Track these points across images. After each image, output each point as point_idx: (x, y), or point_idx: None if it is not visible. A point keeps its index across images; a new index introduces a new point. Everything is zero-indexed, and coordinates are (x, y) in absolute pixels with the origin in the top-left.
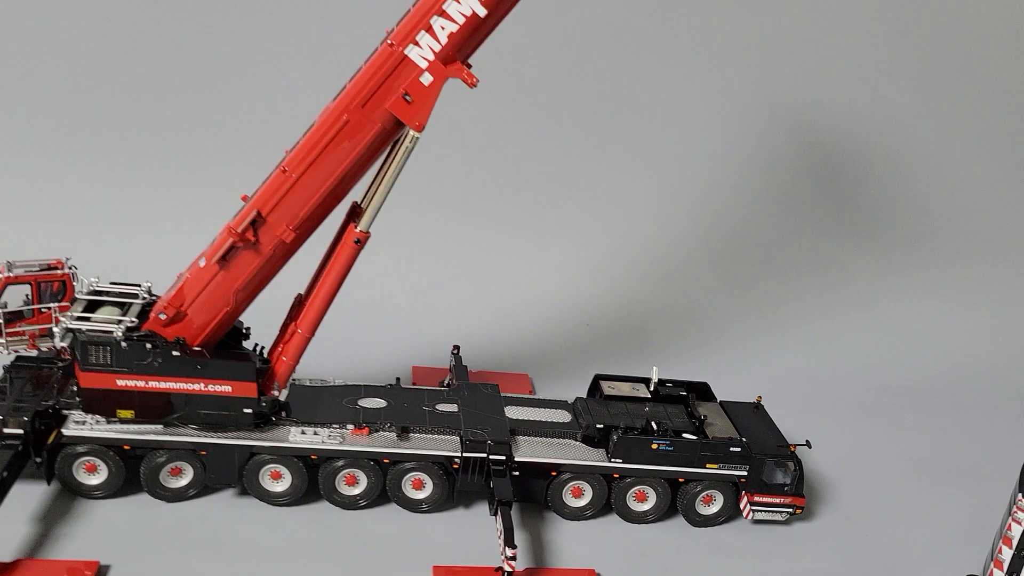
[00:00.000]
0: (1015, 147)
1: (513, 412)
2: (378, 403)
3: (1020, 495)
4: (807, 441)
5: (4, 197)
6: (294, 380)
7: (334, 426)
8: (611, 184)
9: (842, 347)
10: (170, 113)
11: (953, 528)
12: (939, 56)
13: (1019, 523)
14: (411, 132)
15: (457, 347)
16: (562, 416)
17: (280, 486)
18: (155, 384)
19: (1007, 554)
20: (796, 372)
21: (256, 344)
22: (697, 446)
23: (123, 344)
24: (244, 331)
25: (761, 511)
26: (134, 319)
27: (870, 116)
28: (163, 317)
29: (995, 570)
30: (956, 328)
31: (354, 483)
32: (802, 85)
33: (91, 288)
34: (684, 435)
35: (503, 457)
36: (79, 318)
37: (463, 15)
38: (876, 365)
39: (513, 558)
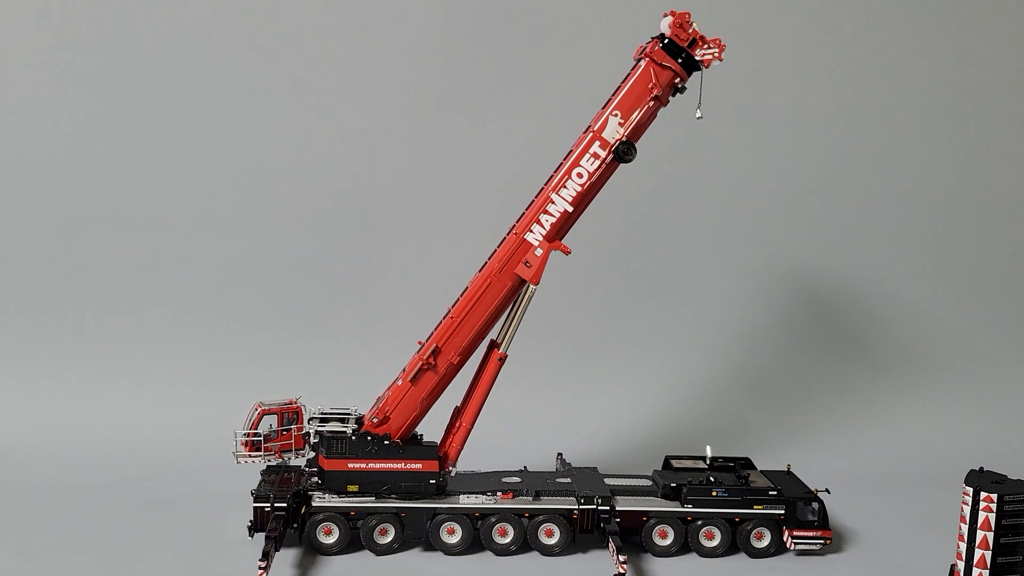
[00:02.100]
0: (976, 287)
1: (609, 482)
2: (515, 479)
3: (964, 486)
4: (827, 488)
5: (250, 359)
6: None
7: (489, 493)
8: (669, 329)
9: (846, 450)
10: (351, 296)
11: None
12: (915, 218)
13: (967, 504)
14: (530, 286)
15: (560, 453)
16: (645, 483)
17: (454, 539)
18: (373, 465)
19: (964, 529)
20: (814, 469)
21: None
22: (744, 491)
23: (353, 438)
24: (419, 436)
25: (800, 543)
26: (355, 425)
27: (861, 271)
28: (375, 420)
29: (959, 542)
30: (935, 428)
31: (505, 534)
32: (808, 253)
33: (320, 411)
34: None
35: (608, 508)
36: (321, 425)
37: (559, 212)
38: (876, 460)
39: (625, 562)
